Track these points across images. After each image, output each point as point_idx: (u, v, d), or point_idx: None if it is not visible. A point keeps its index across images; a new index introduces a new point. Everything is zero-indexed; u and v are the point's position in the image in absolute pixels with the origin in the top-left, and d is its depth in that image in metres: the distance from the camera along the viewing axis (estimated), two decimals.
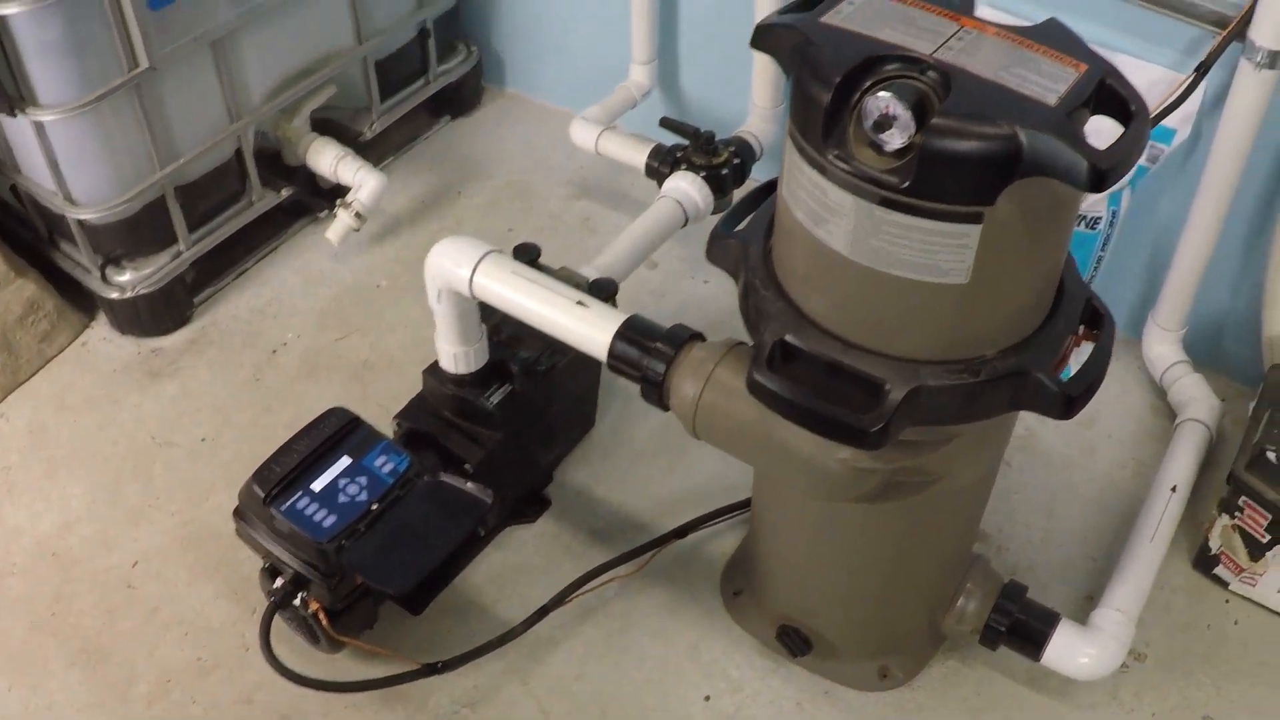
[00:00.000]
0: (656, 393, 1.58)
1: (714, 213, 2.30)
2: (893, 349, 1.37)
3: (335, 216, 2.52)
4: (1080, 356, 1.45)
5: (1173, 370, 2.28)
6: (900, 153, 1.24)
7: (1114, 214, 2.15)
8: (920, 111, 1.22)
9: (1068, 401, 1.38)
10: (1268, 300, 2.16)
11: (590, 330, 1.63)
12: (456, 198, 2.74)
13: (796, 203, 1.34)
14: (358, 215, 2.49)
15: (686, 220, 2.26)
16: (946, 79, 1.24)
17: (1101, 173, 1.18)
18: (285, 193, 2.56)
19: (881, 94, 1.22)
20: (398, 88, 2.77)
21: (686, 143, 2.35)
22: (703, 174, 2.29)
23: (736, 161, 2.33)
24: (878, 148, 1.24)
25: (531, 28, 2.90)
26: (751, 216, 1.57)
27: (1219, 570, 2.04)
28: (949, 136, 1.19)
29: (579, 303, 1.66)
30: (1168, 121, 2.05)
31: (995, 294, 1.33)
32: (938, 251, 1.26)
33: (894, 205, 1.24)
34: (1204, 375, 2.29)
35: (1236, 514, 1.95)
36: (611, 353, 1.61)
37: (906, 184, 1.22)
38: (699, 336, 1.61)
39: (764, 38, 1.36)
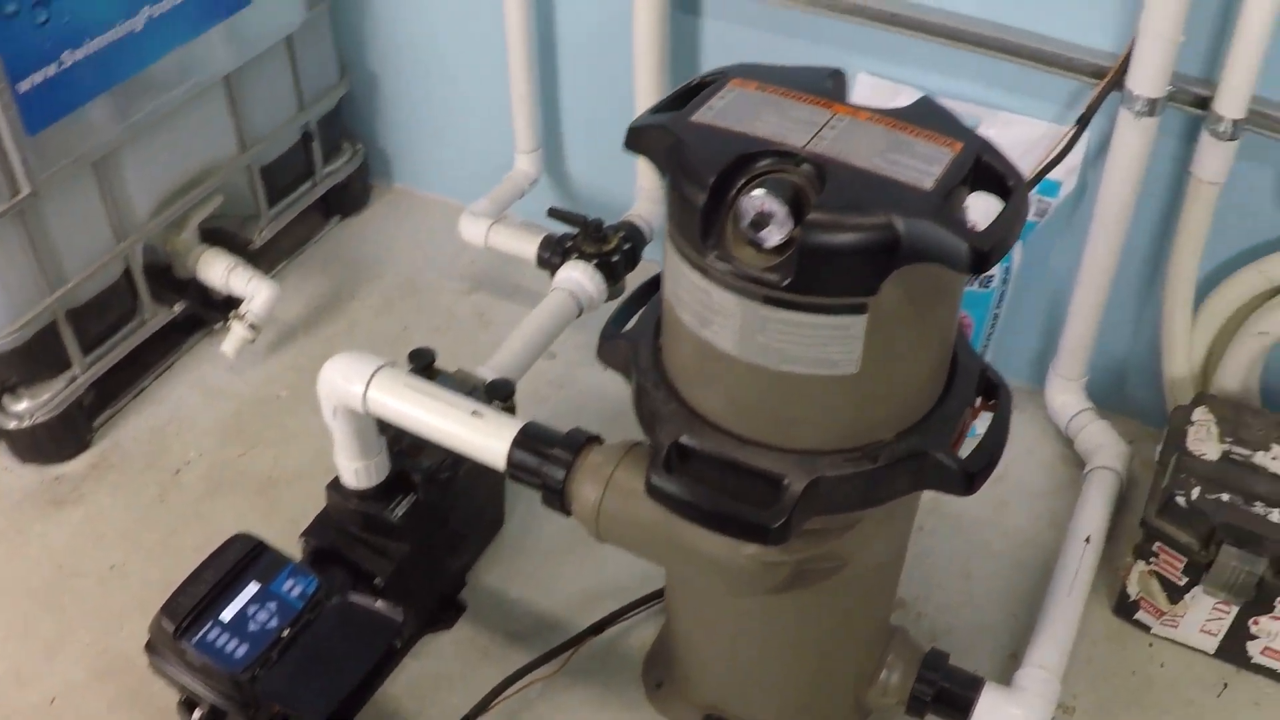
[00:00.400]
0: (558, 499, 1.56)
1: (608, 299, 2.29)
2: (789, 442, 1.35)
3: (230, 329, 2.48)
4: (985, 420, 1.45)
5: (1078, 418, 2.29)
6: (780, 249, 1.23)
7: (1007, 270, 2.16)
8: (796, 206, 1.21)
9: (969, 478, 1.37)
10: (1166, 344, 2.17)
11: (487, 441, 1.62)
12: (350, 300, 2.72)
13: (681, 304, 1.33)
14: (252, 327, 2.47)
15: (581, 310, 2.25)
16: (821, 171, 1.23)
17: (982, 254, 1.18)
18: (178, 307, 2.53)
19: (755, 192, 1.21)
20: (285, 192, 2.75)
21: (576, 231, 2.34)
22: (594, 262, 2.28)
23: (627, 247, 2.32)
24: (757, 245, 1.23)
25: (415, 122, 2.88)
26: (640, 314, 1.55)
27: (1140, 615, 2.05)
28: (826, 231, 1.18)
29: (474, 413, 1.64)
30: (1054, 174, 2.06)
31: (887, 380, 1.32)
32: (826, 344, 1.25)
33: (778, 303, 1.23)
34: (1110, 420, 2.31)
35: (1151, 559, 1.96)
36: (510, 462, 1.59)
37: (788, 281, 1.21)
38: (596, 439, 1.59)
39: (637, 140, 1.35)
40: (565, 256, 2.32)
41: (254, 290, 2.48)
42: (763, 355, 1.28)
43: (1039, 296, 2.33)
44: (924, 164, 1.24)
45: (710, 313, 1.29)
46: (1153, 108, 1.93)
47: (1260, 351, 2.11)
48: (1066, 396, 2.31)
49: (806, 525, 1.38)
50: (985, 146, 1.29)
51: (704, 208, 1.24)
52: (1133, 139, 1.96)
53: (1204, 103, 1.94)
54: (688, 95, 1.38)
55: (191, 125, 2.42)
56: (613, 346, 1.54)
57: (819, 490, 1.34)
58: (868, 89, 2.18)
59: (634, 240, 2.36)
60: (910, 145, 1.27)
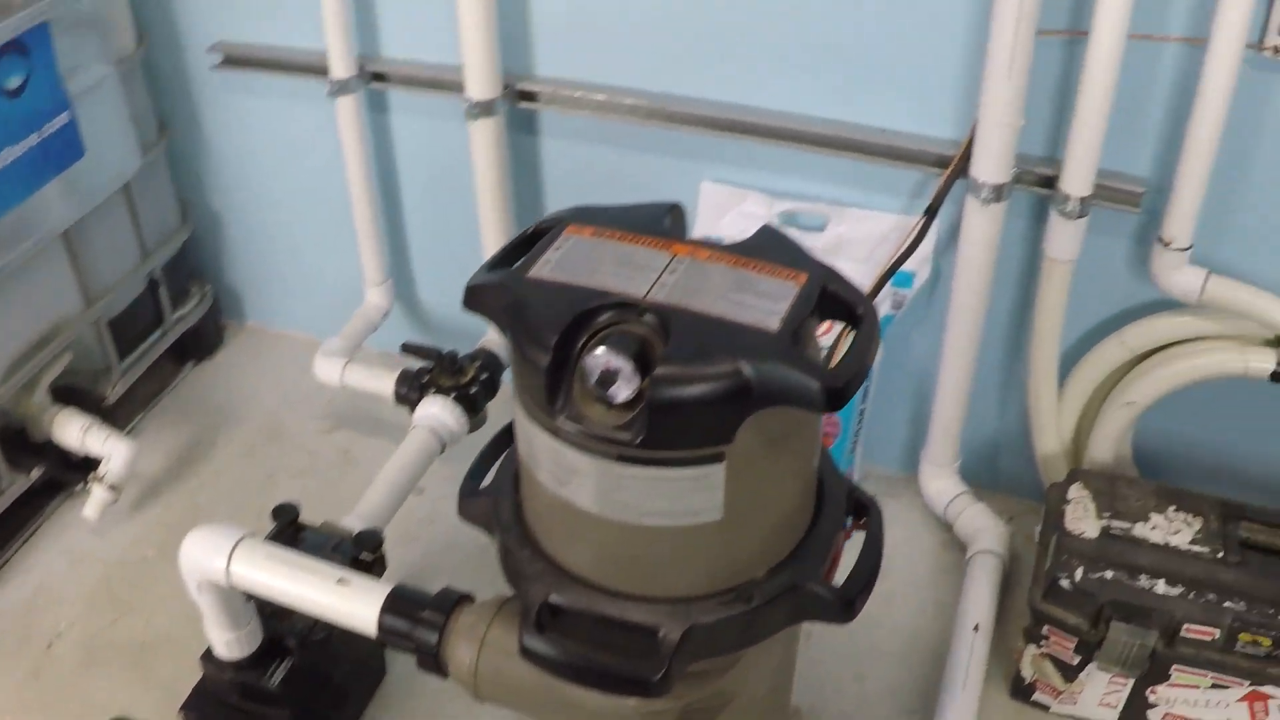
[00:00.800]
0: (433, 662, 1.53)
1: (470, 431, 2.25)
2: (661, 591, 1.32)
3: (90, 492, 2.42)
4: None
5: (955, 503, 2.28)
6: (631, 404, 1.20)
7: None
8: (643, 360, 1.18)
9: (847, 605, 1.35)
10: (1034, 422, 2.17)
11: (355, 608, 1.58)
12: (212, 448, 2.66)
13: (536, 464, 1.30)
14: (112, 488, 2.41)
15: (444, 446, 2.21)
16: (665, 320, 1.21)
17: (835, 391, 1.16)
18: (36, 473, 2.46)
19: (599, 351, 1.18)
20: (135, 343, 2.68)
21: (432, 365, 2.30)
22: (452, 395, 2.24)
23: (485, 376, 2.29)
24: (607, 402, 1.20)
25: (262, 258, 2.84)
26: (498, 467, 1.52)
27: (1038, 696, 2.04)
28: (674, 384, 1.16)
29: (340, 580, 1.60)
30: (907, 265, 2.06)
31: (753, 521, 1.29)
32: (687, 495, 1.23)
33: (633, 460, 1.20)
34: (987, 499, 2.31)
35: (1043, 642, 1.95)
36: (380, 628, 1.55)
37: (641, 438, 1.18)
38: (468, 598, 1.55)
39: (475, 300, 1.32)
40: (423, 392, 2.28)
41: (111, 450, 2.42)
42: (624, 511, 1.25)
43: (904, 385, 2.32)
44: (769, 302, 1.22)
45: (566, 472, 1.26)
46: (999, 193, 1.93)
47: (1129, 421, 2.12)
48: (941, 482, 2.30)
49: (689, 669, 1.34)
50: (830, 275, 1.27)
51: (548, 369, 1.21)
52: (981, 225, 1.96)
53: (1050, 182, 1.95)
54: (525, 244, 1.35)
55: (33, 285, 2.36)
56: (473, 503, 1.50)
57: (695, 637, 1.31)
58: (712, 196, 2.16)
59: (491, 369, 2.33)
60: (754, 283, 1.25)
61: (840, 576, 1.40)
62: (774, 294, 1.23)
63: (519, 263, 1.32)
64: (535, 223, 1.38)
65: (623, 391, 1.19)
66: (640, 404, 1.19)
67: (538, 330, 1.22)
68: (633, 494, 1.23)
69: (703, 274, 1.26)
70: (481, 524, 1.50)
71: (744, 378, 1.15)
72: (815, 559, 1.38)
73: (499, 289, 1.29)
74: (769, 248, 1.31)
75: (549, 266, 1.29)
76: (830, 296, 1.26)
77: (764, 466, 1.26)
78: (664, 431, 1.18)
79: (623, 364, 1.18)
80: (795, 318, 1.21)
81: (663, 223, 1.36)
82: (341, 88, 2.32)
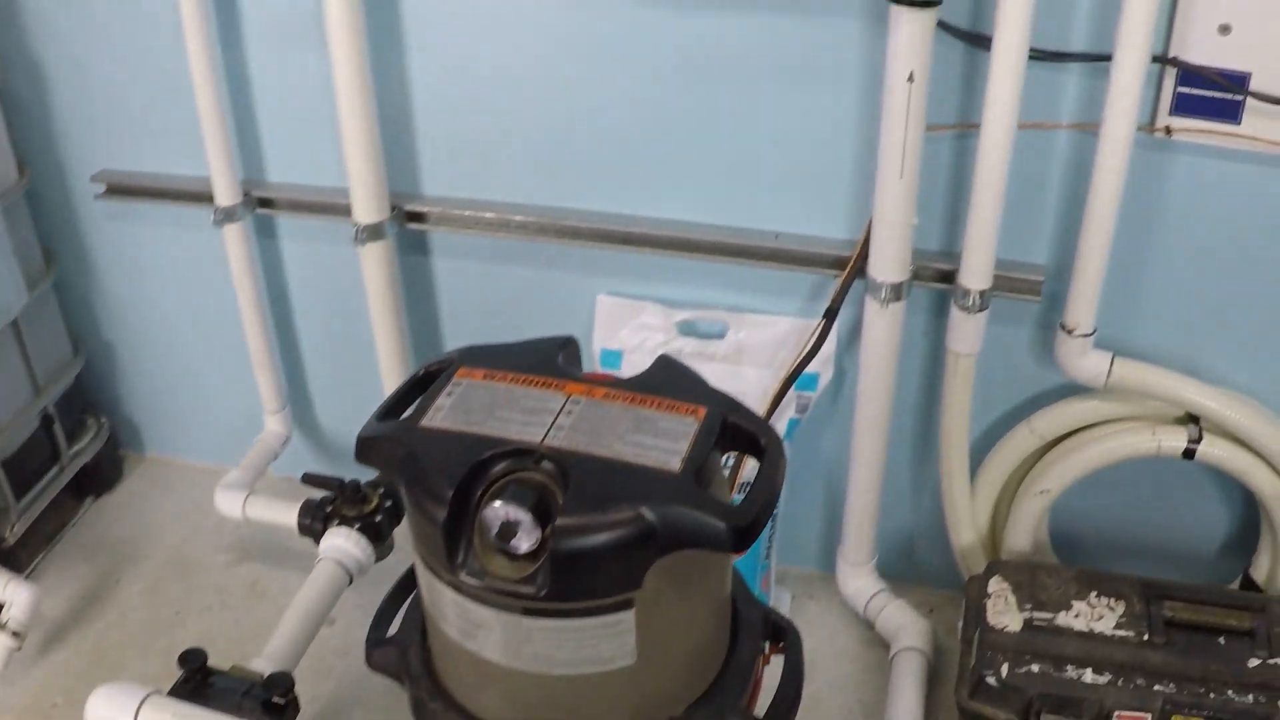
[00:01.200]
0: None
1: (378, 559, 2.21)
2: None
3: None
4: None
5: (874, 601, 2.25)
6: (534, 553, 1.17)
7: None
8: (543, 509, 1.15)
9: None
10: (949, 515, 2.16)
11: None
12: (116, 587, 2.60)
13: (442, 617, 1.27)
14: (15, 635, 2.34)
15: (351, 578, 2.16)
16: (563, 467, 1.18)
17: (742, 530, 1.14)
18: None
19: (496, 504, 1.15)
20: (31, 481, 2.62)
21: (335, 494, 2.26)
22: (356, 525, 2.19)
23: (389, 504, 2.24)
24: (509, 554, 1.17)
25: (159, 388, 2.79)
26: (404, 613, 1.48)
27: None
28: (575, 535, 1.13)
29: None
30: (811, 367, 2.04)
31: (668, 662, 1.27)
32: (597, 644, 1.20)
33: (539, 613, 1.18)
34: (908, 592, 2.28)
35: None
36: None
37: (546, 590, 1.15)
38: None
39: (366, 453, 1.29)
40: (326, 522, 2.23)
41: (12, 595, 2.35)
42: (534, 663, 1.22)
43: (816, 485, 2.31)
44: (669, 441, 1.20)
45: (472, 626, 1.23)
46: (898, 292, 1.91)
47: (1044, 509, 2.10)
48: (859, 581, 2.27)
49: None
50: (731, 406, 1.25)
51: (445, 524, 1.17)
52: (882, 325, 1.95)
53: (950, 276, 1.93)
54: (418, 388, 1.32)
55: None
56: (381, 653, 1.47)
57: None
58: (609, 309, 2.14)
59: (395, 495, 2.27)
60: (652, 421, 1.22)
61: (763, 702, 1.38)
62: (674, 432, 1.21)
63: (411, 410, 1.29)
64: (425, 365, 1.35)
65: (524, 543, 1.16)
66: (544, 553, 1.15)
67: (432, 484, 1.19)
68: (542, 645, 1.20)
69: (600, 415, 1.24)
70: (391, 674, 1.46)
71: (647, 524, 1.13)
72: (734, 691, 1.36)
73: (390, 441, 1.25)
74: (667, 380, 1.29)
75: (441, 414, 1.26)
76: (732, 428, 1.24)
77: (676, 607, 1.23)
78: (569, 582, 1.16)
79: (522, 516, 1.15)
80: (697, 456, 1.19)
81: (556, 359, 1.33)
82: (227, 215, 2.28)
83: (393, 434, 1.26)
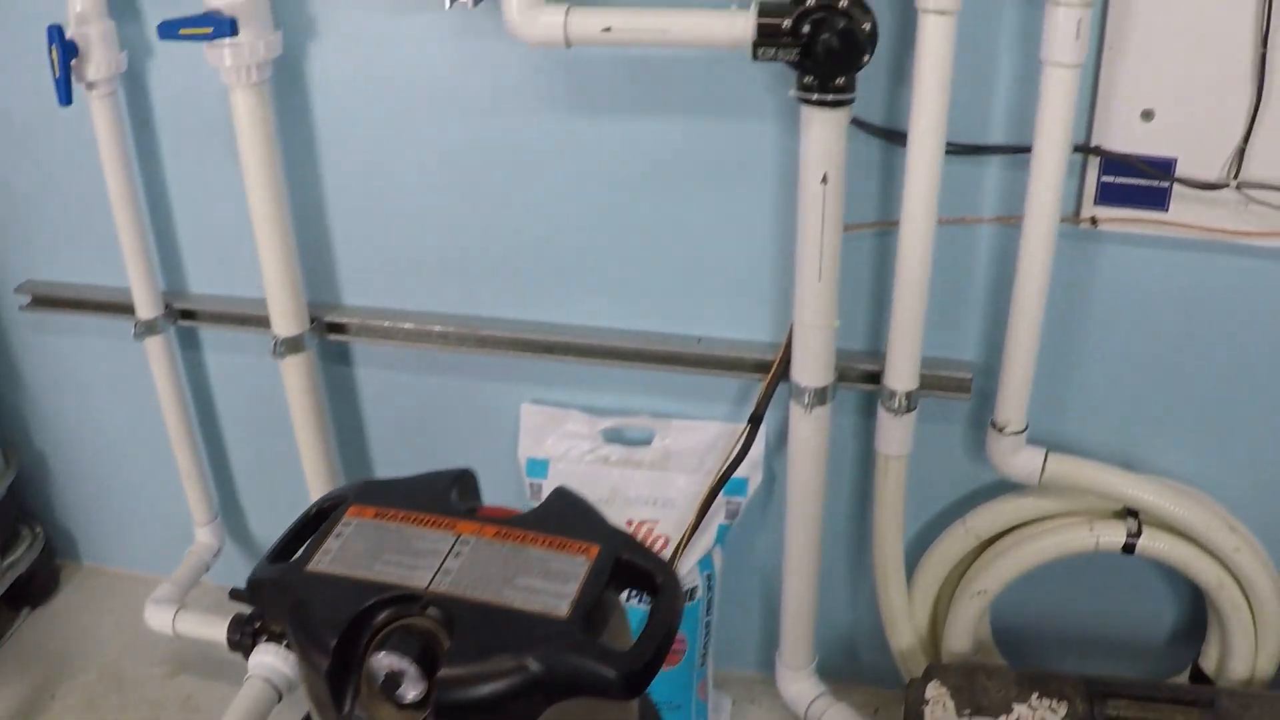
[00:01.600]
0: None
1: None
2: None
3: None
4: None
5: (816, 705, 2.21)
6: (422, 702, 1.13)
7: (709, 577, 2.09)
8: (429, 658, 1.12)
9: None
10: (886, 618, 2.13)
11: None
12: (51, 702, 2.55)
13: None
14: None
15: (281, 695, 2.13)
16: (449, 614, 1.14)
17: (633, 675, 1.10)
18: None
19: (381, 654, 1.12)
20: None
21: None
22: (285, 642, 2.16)
23: None
24: (396, 703, 1.14)
25: (93, 497, 2.75)
26: None
27: None
28: (460, 686, 1.10)
29: None
30: (739, 472, 2.01)
31: None
32: None
33: None
34: (850, 694, 2.24)
35: None
36: None
37: None
38: None
39: (256, 596, 1.26)
40: (255, 638, 2.19)
41: None
42: None
43: (751, 588, 2.28)
44: (558, 584, 1.17)
45: None
46: (822, 396, 1.88)
47: (982, 609, 2.07)
48: (799, 685, 2.23)
49: None
50: (625, 543, 1.22)
51: (330, 672, 1.14)
52: (808, 429, 1.92)
53: (876, 377, 1.91)
54: (312, 525, 1.29)
55: None
56: None
57: None
58: (534, 418, 2.11)
59: None
60: (542, 562, 1.19)
61: None
62: (564, 574, 1.18)
63: (301, 551, 1.25)
64: (319, 501, 1.32)
65: (410, 693, 1.13)
66: (432, 701, 1.12)
67: (317, 633, 1.16)
68: None
69: (489, 556, 1.21)
70: None
71: (532, 674, 1.09)
72: None
73: (277, 586, 1.22)
74: (560, 517, 1.26)
75: (329, 557, 1.23)
76: (626, 567, 1.21)
77: None
78: None
79: (406, 666, 1.12)
80: (587, 599, 1.15)
81: (449, 496, 1.30)
82: (148, 328, 2.25)
83: (279, 579, 1.22)
